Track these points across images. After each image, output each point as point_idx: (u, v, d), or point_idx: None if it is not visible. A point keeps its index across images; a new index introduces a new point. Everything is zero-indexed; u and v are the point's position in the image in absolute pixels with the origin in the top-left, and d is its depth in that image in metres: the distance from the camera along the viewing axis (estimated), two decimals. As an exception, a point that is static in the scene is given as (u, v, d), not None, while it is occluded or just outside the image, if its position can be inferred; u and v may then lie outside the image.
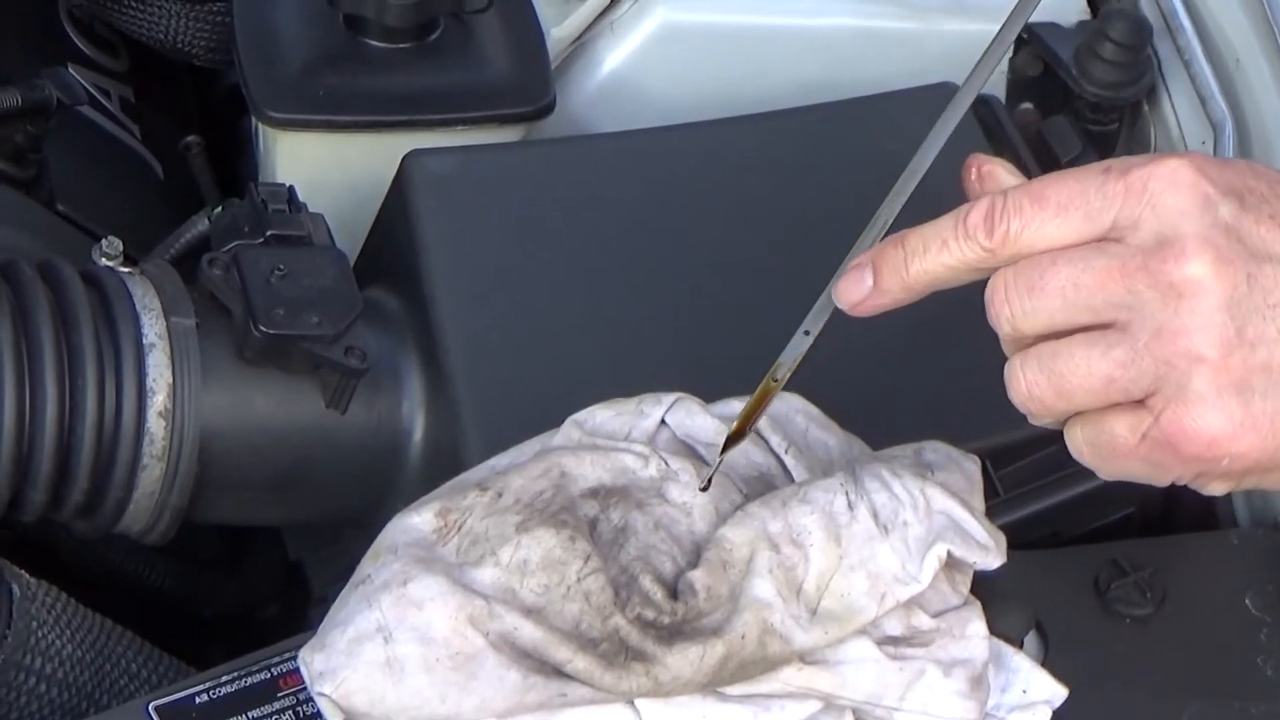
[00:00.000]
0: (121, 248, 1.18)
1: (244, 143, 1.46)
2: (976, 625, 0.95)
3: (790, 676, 0.90)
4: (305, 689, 0.91)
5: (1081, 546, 1.08)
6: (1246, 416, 0.81)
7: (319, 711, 0.89)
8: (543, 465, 0.94)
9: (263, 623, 1.31)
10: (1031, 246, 0.84)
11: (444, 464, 1.08)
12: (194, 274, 1.11)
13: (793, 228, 1.21)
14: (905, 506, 0.94)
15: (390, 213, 1.21)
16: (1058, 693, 0.96)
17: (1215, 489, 0.86)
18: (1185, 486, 0.87)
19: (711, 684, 0.89)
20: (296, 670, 0.92)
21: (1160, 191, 0.82)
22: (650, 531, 0.93)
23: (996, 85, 1.41)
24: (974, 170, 0.89)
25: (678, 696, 0.89)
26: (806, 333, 0.91)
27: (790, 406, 1.00)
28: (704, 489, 0.94)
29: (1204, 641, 1.02)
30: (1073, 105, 1.39)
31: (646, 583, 0.90)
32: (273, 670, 0.95)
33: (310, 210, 1.17)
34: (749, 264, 1.19)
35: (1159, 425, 0.82)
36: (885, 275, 0.87)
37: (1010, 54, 1.38)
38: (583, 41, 1.43)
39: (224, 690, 0.95)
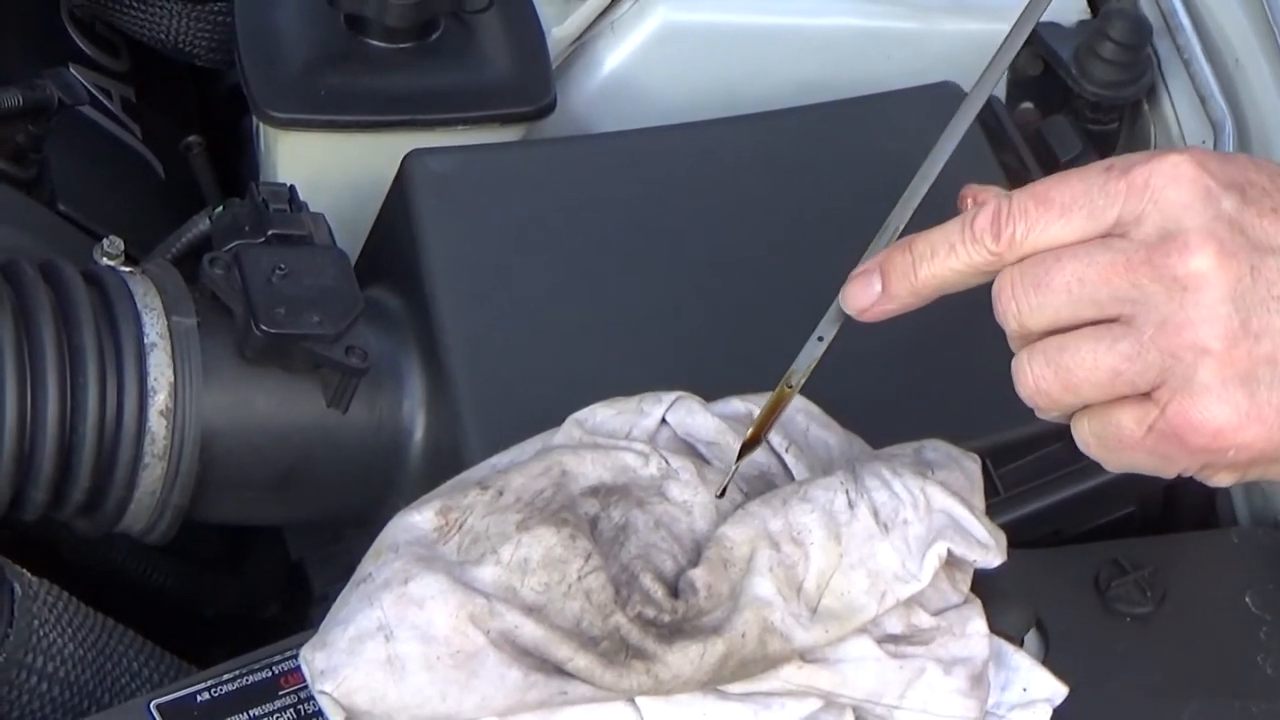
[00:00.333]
0: (123, 247, 1.18)
1: (245, 142, 1.46)
2: (977, 623, 0.95)
3: (790, 675, 0.90)
4: (306, 687, 0.91)
5: (1082, 545, 1.08)
6: (1252, 408, 0.82)
7: (320, 710, 0.89)
8: (543, 464, 0.94)
9: (264, 622, 1.31)
10: (1038, 248, 0.84)
11: (445, 463, 1.08)
12: (195, 273, 1.11)
13: (793, 227, 1.21)
14: (905, 505, 0.94)
15: (391, 212, 1.21)
16: (1058, 691, 0.96)
17: (1221, 480, 0.86)
18: (1186, 485, 0.87)
19: (712, 682, 0.89)
20: (298, 669, 0.92)
21: (1162, 187, 0.83)
22: (651, 530, 0.93)
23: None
24: (969, 201, 0.90)
25: (678, 695, 0.89)
26: (820, 339, 0.91)
27: (791, 405, 1.00)
28: (719, 496, 0.94)
29: (1204, 640, 1.02)
30: (1073, 105, 1.39)
31: (647, 581, 0.90)
32: (274, 669, 0.95)
33: (311, 210, 1.17)
34: (749, 263, 1.19)
35: (1165, 417, 0.82)
36: (893, 281, 0.88)
37: (1010, 53, 1.38)
38: (583, 41, 1.43)
39: (225, 689, 0.95)
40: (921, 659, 0.92)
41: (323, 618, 0.92)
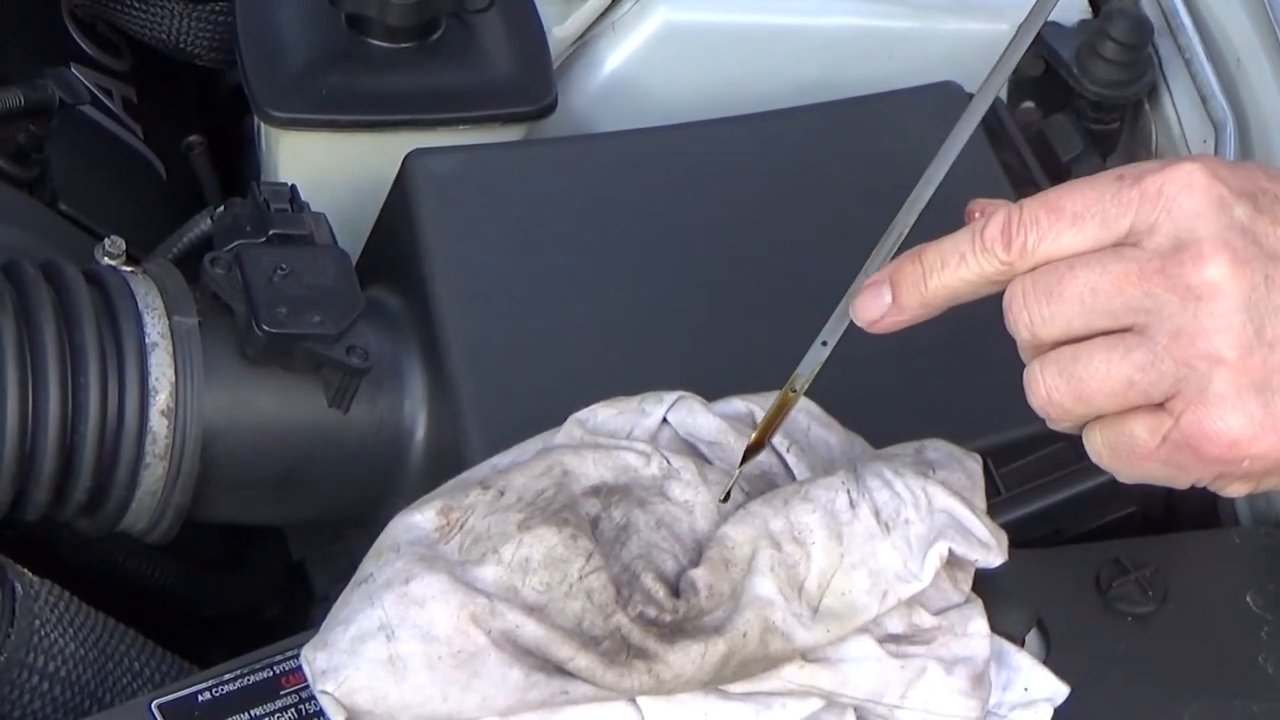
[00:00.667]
0: (124, 247, 1.18)
1: (246, 142, 1.46)
2: (978, 623, 0.95)
3: (792, 674, 0.90)
4: (308, 687, 0.91)
5: (1083, 544, 1.08)
6: (1267, 417, 0.81)
7: (321, 710, 0.89)
8: (544, 464, 0.94)
9: (265, 622, 1.31)
10: (1049, 257, 0.84)
11: (446, 463, 1.08)
12: (196, 273, 1.11)
13: (795, 227, 1.21)
14: (907, 504, 0.94)
15: (392, 212, 1.22)
16: (1059, 691, 0.96)
17: (1234, 491, 0.86)
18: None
19: (713, 682, 0.89)
20: (299, 669, 0.92)
21: (1175, 195, 0.82)
22: (652, 530, 0.93)
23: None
24: (977, 214, 0.89)
25: (679, 694, 0.89)
26: (824, 343, 0.91)
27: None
28: (723, 500, 0.94)
29: (1205, 639, 1.02)
30: (1074, 104, 1.39)
31: (648, 581, 0.90)
32: (275, 669, 0.95)
33: (312, 209, 1.17)
34: (751, 262, 1.19)
35: (1179, 427, 0.82)
36: (904, 292, 0.87)
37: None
38: (584, 41, 1.43)
39: (226, 688, 0.95)
40: (923, 659, 0.92)
41: (324, 618, 0.92)
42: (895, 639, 0.93)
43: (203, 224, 1.26)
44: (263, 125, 1.32)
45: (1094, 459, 0.86)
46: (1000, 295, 0.86)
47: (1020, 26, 0.95)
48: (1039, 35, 1.39)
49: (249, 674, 0.95)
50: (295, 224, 1.14)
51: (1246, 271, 0.81)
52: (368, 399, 1.12)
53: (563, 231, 1.19)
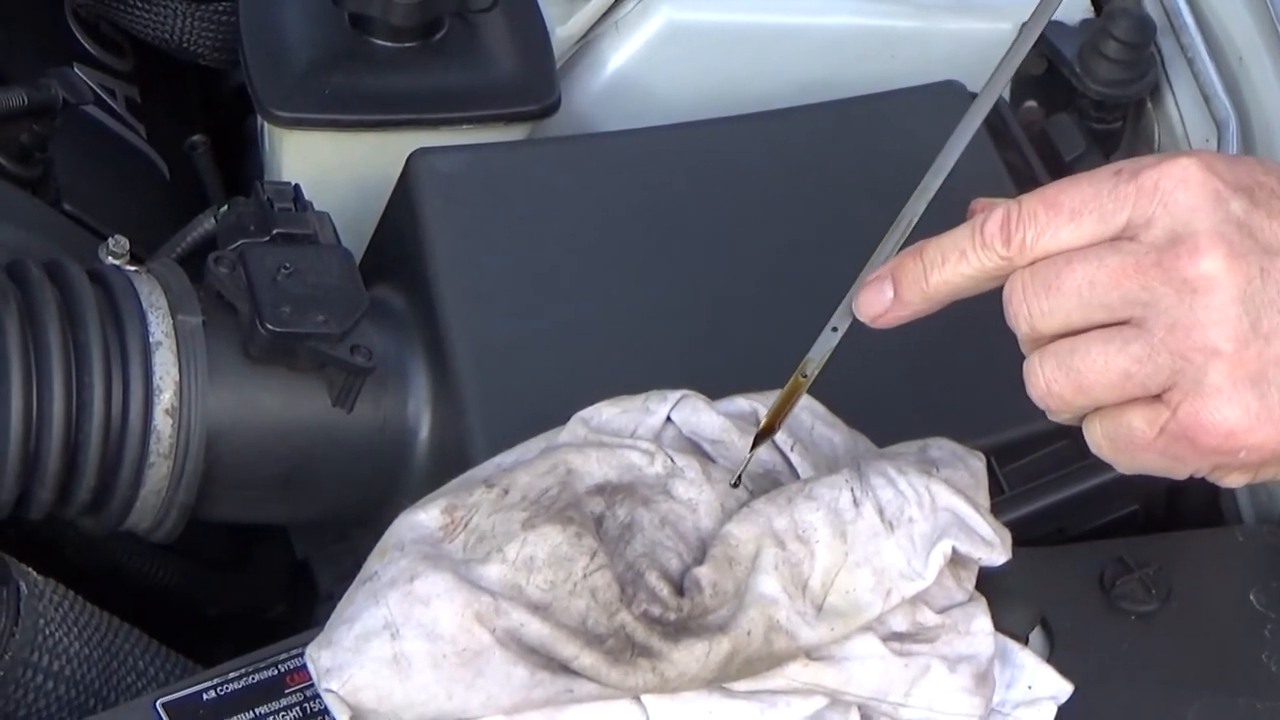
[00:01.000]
0: (128, 246, 1.18)
1: (249, 142, 1.46)
2: (982, 621, 0.95)
3: (796, 673, 0.90)
4: (312, 686, 0.91)
5: (1087, 543, 1.08)
6: (1263, 409, 0.82)
7: (326, 708, 0.89)
8: (549, 462, 0.94)
9: (269, 621, 1.31)
10: (1048, 252, 0.85)
11: (450, 461, 1.08)
12: (200, 273, 1.11)
13: (797, 226, 1.21)
14: (910, 503, 0.94)
15: (396, 211, 1.22)
16: (1063, 689, 0.96)
17: (1232, 481, 0.86)
18: (1190, 483, 0.88)
19: (717, 680, 0.89)
20: (303, 667, 0.92)
21: (1172, 190, 0.83)
22: (656, 528, 0.93)
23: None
24: (978, 213, 0.89)
25: (684, 693, 0.89)
26: (834, 329, 0.92)
27: (796, 404, 1.00)
28: (734, 486, 0.95)
29: (1209, 638, 1.02)
30: (1077, 103, 1.39)
31: (653, 579, 0.90)
32: (280, 667, 0.95)
33: (316, 209, 1.17)
34: (754, 262, 1.19)
35: (1176, 419, 0.83)
36: (905, 287, 0.88)
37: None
38: (588, 40, 1.43)
39: (231, 687, 0.95)
40: (926, 657, 0.92)
41: (328, 616, 0.92)
42: (899, 637, 0.93)
43: (206, 223, 1.26)
44: (266, 125, 1.32)
45: (1093, 450, 0.87)
46: (1001, 293, 0.86)
47: (1024, 26, 0.95)
48: (1043, 34, 1.40)
49: (253, 673, 0.95)
50: (299, 223, 1.14)
51: (1242, 265, 0.82)
52: (372, 398, 1.12)
53: (566, 231, 1.19)
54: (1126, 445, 0.85)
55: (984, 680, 0.93)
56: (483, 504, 0.93)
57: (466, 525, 0.92)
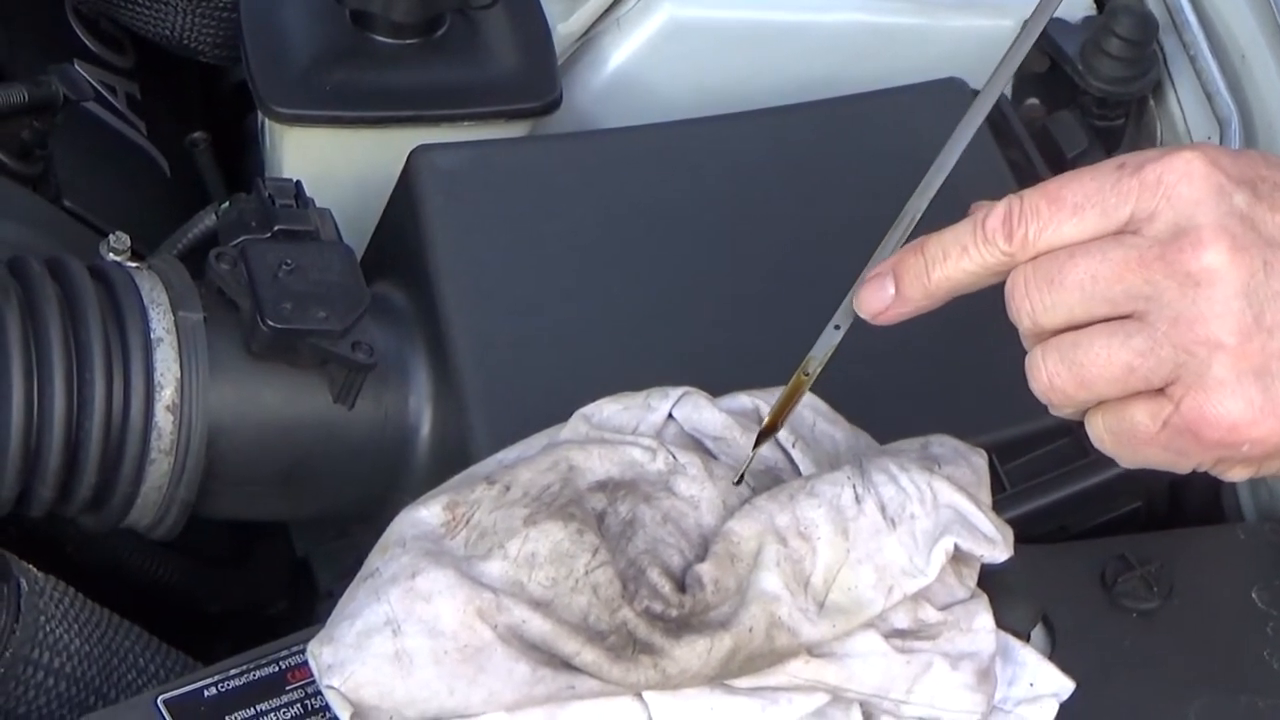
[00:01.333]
0: (128, 243, 1.18)
1: (250, 139, 1.46)
2: (983, 618, 0.95)
3: (798, 669, 0.90)
4: (314, 683, 0.91)
5: (1088, 540, 1.08)
6: (1266, 402, 0.82)
7: (327, 705, 0.89)
8: (550, 459, 0.94)
9: (270, 618, 1.31)
10: (1050, 247, 0.84)
11: (451, 458, 1.08)
12: (201, 269, 1.11)
13: (799, 222, 1.21)
14: (912, 500, 0.94)
15: (397, 208, 1.22)
16: (1065, 686, 0.96)
17: (1235, 475, 0.86)
18: (1192, 481, 0.88)
19: (719, 677, 0.89)
20: (305, 664, 0.92)
21: (1174, 183, 0.83)
22: (658, 525, 0.93)
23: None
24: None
25: (685, 689, 0.89)
26: (836, 327, 0.91)
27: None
28: (737, 483, 0.95)
29: (1211, 635, 1.02)
30: (1079, 101, 1.39)
31: (654, 576, 0.90)
32: (281, 664, 0.95)
33: (317, 205, 1.17)
34: (756, 258, 1.19)
35: (1179, 412, 0.83)
36: (907, 283, 0.88)
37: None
38: (589, 37, 1.43)
39: (232, 684, 0.95)
40: (928, 654, 0.92)
41: (329, 613, 0.92)
42: (901, 634, 0.93)
43: (207, 220, 1.26)
44: (267, 121, 1.32)
45: (1096, 444, 0.86)
46: (1003, 289, 0.86)
47: (1026, 23, 0.95)
48: (1045, 31, 1.40)
49: (254, 669, 0.95)
50: (300, 220, 1.14)
51: (1245, 258, 0.82)
52: (373, 395, 1.12)
53: (567, 227, 1.19)
54: (1129, 439, 0.85)
55: (986, 677, 0.93)
56: (484, 500, 0.92)
57: (468, 522, 0.92)
